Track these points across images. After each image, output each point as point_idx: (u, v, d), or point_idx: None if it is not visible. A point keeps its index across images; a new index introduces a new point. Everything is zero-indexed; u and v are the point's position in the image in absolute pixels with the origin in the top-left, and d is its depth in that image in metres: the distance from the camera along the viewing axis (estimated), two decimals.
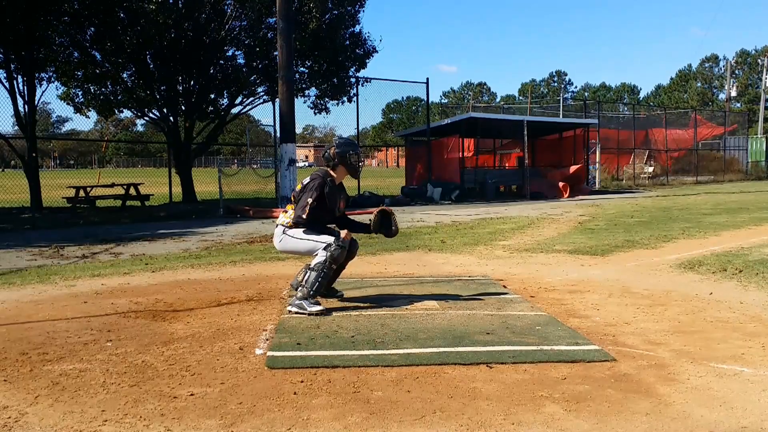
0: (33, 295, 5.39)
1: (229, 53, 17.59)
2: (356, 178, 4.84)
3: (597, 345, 3.77)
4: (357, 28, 17.90)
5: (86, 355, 3.64)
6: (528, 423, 2.69)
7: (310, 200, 4.66)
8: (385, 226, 4.98)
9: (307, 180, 4.83)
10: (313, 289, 4.56)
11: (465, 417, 2.75)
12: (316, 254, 4.63)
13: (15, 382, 3.21)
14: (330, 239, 4.64)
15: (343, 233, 4.73)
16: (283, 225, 4.79)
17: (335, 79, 17.67)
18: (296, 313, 4.52)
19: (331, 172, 4.87)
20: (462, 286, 5.61)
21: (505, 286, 5.56)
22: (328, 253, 4.59)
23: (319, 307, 4.54)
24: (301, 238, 4.70)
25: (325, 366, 3.40)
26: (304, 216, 4.63)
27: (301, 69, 17.67)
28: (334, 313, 4.57)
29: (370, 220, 5.01)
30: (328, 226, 4.93)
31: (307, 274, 4.60)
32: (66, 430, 2.65)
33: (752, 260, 6.71)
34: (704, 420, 2.72)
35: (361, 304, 4.85)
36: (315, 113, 18.92)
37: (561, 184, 19.79)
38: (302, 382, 3.18)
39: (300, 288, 4.61)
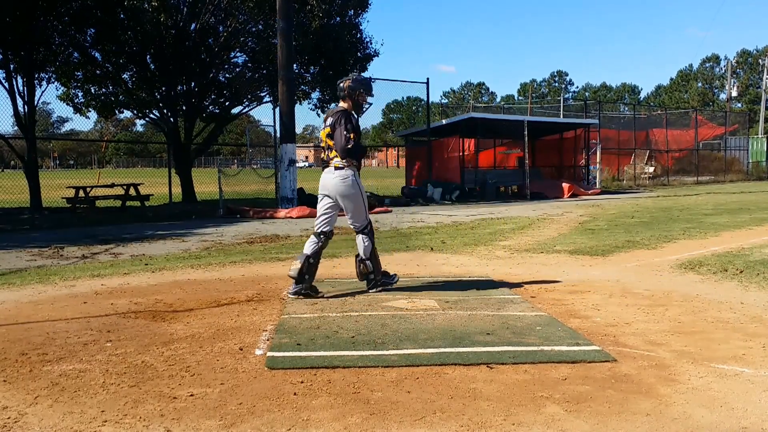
0: (33, 295, 5.38)
1: (231, 55, 17.60)
2: (358, 115, 5.24)
3: (597, 345, 3.76)
4: (359, 35, 17.94)
5: (86, 356, 3.63)
6: (528, 423, 2.68)
7: (345, 133, 4.99)
8: None
9: (330, 120, 5.12)
10: (380, 268, 5.29)
11: (465, 417, 2.74)
12: (362, 245, 5.19)
13: (14, 383, 3.21)
14: (368, 216, 5.23)
15: None
16: (349, 166, 5.06)
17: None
18: (385, 291, 5.22)
19: (342, 104, 5.19)
20: (462, 286, 5.60)
21: (505, 287, 5.55)
22: (371, 238, 5.22)
23: (397, 277, 5.40)
24: (362, 200, 5.15)
25: (325, 366, 3.40)
26: (350, 146, 4.99)
27: (304, 73, 17.68)
28: (334, 314, 4.57)
29: None
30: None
31: (368, 263, 5.20)
32: (65, 430, 2.64)
33: (753, 260, 6.70)
34: (705, 420, 2.72)
35: (362, 305, 4.84)
36: (318, 114, 19.00)
37: (563, 184, 19.80)
38: (302, 382, 3.18)
39: (373, 277, 5.25)
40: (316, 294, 5.10)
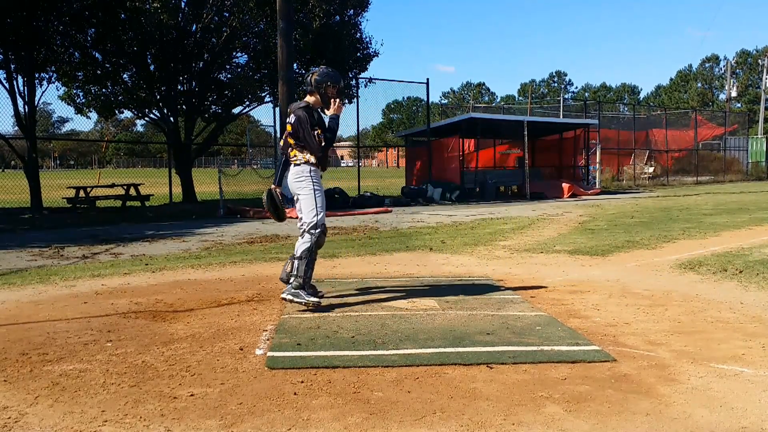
0: (33, 295, 5.39)
1: (232, 54, 17.60)
2: (327, 110, 4.88)
3: (597, 345, 3.77)
4: (358, 35, 17.95)
5: (86, 356, 3.64)
6: (528, 423, 2.69)
7: (314, 132, 4.67)
8: (274, 207, 5.11)
9: (292, 119, 4.78)
10: (307, 276, 4.68)
11: (465, 417, 2.74)
12: (301, 240, 4.71)
13: (15, 383, 3.21)
14: (319, 219, 4.70)
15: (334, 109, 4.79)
16: (306, 163, 4.75)
17: None
18: (292, 301, 4.63)
19: (309, 98, 4.87)
20: (462, 286, 5.61)
21: (505, 287, 5.56)
22: (313, 239, 4.69)
23: (316, 298, 4.67)
24: (312, 197, 4.72)
25: (325, 366, 3.40)
26: (323, 143, 4.69)
27: (304, 73, 17.69)
28: (334, 314, 4.57)
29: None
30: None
31: (296, 264, 4.67)
32: (66, 430, 2.65)
33: (753, 260, 6.71)
34: (704, 420, 2.72)
35: (362, 305, 4.85)
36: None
37: (563, 184, 19.82)
38: (302, 382, 3.18)
39: (293, 278, 4.67)
40: (316, 294, 5.09)
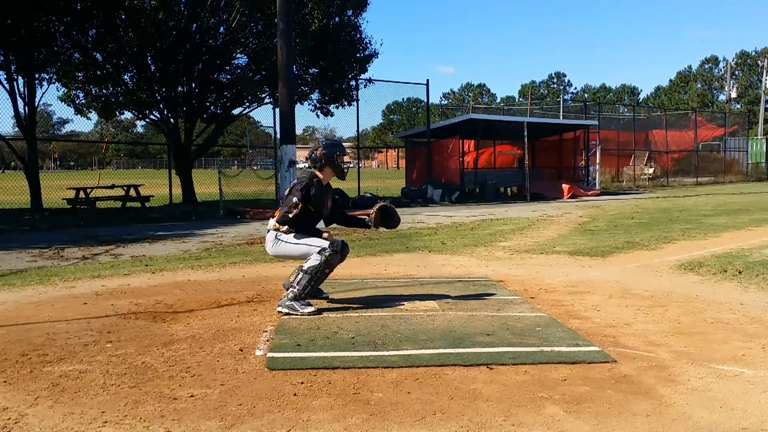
0: (33, 296, 5.39)
1: (234, 55, 17.61)
2: (342, 179, 5.02)
3: (597, 346, 3.77)
4: (357, 35, 17.96)
5: (86, 357, 3.64)
6: (528, 424, 2.69)
7: (295, 200, 4.63)
8: (387, 219, 5.06)
9: (294, 182, 4.86)
10: (305, 291, 4.60)
11: (465, 418, 2.75)
12: (310, 257, 4.61)
13: (15, 384, 3.21)
14: (324, 243, 4.63)
15: (325, 234, 4.75)
16: (275, 230, 4.72)
17: (337, 84, 17.72)
18: (286, 314, 4.56)
19: (318, 173, 4.87)
20: (462, 287, 5.61)
21: (505, 288, 5.56)
22: (323, 258, 4.58)
23: (311, 308, 4.59)
24: (295, 243, 4.66)
25: (325, 367, 3.40)
26: (290, 216, 4.61)
27: (304, 74, 17.70)
28: (334, 314, 4.57)
29: (368, 216, 5.03)
30: (317, 227, 4.94)
31: (299, 276, 4.60)
32: (66, 431, 2.65)
33: (752, 261, 6.71)
34: (704, 421, 2.72)
35: (362, 305, 4.85)
36: (318, 116, 19.03)
37: (563, 185, 19.83)
38: (302, 383, 3.18)
39: (291, 289, 4.62)
40: (320, 295, 5.08)
